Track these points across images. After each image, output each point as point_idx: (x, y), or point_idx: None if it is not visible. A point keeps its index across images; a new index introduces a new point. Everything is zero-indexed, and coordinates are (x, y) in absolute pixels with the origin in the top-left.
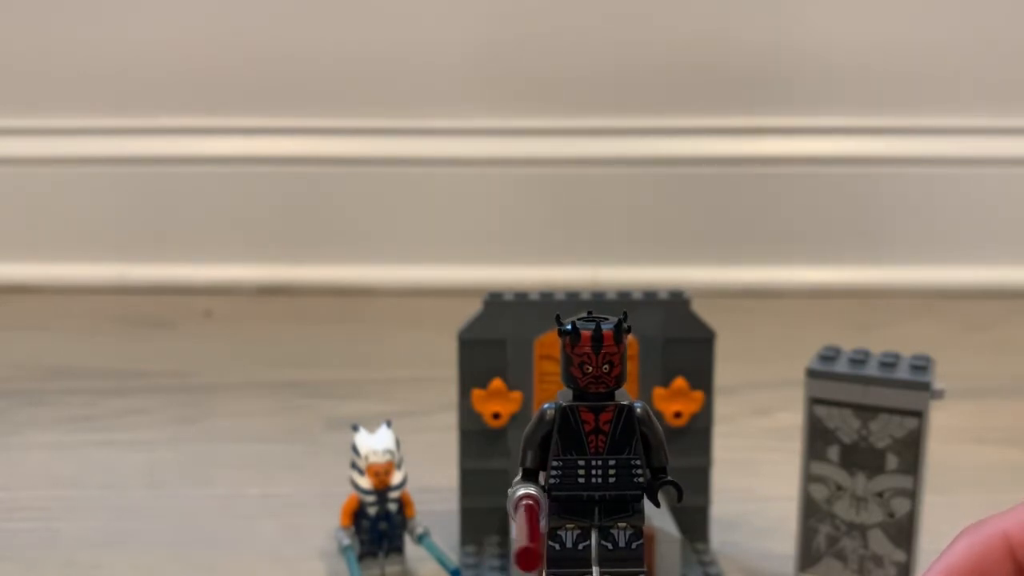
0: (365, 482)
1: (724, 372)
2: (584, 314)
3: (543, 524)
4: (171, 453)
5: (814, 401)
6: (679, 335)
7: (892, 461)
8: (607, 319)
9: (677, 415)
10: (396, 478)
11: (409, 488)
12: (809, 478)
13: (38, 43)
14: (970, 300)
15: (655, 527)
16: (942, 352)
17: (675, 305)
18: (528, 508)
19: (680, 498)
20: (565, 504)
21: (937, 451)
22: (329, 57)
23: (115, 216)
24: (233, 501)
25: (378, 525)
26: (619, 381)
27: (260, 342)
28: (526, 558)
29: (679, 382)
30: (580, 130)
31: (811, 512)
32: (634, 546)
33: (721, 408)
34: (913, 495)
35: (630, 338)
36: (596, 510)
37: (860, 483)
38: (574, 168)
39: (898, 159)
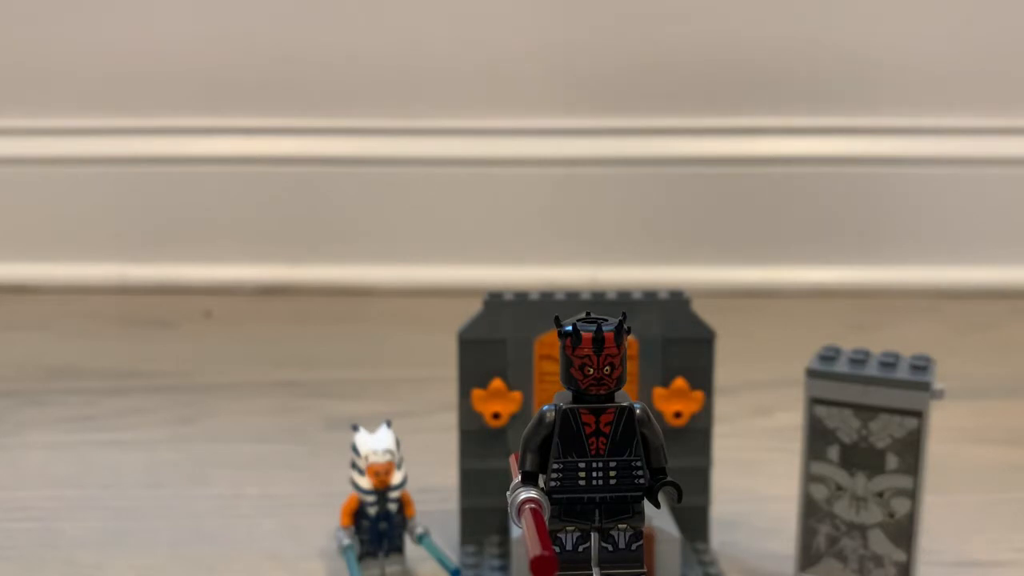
0: (365, 482)
1: (724, 372)
2: (583, 315)
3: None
4: (171, 453)
5: (814, 401)
6: (679, 335)
7: (892, 461)
8: (607, 320)
9: (677, 415)
10: (396, 478)
11: (409, 488)
12: (809, 478)
13: (38, 43)
14: (970, 300)
15: (655, 527)
16: (942, 352)
17: (675, 305)
18: (534, 513)
19: (680, 498)
20: (565, 506)
21: (937, 451)
22: (329, 57)
23: (115, 216)
24: (233, 501)
25: (378, 525)
26: (619, 383)
27: (260, 342)
28: (542, 566)
29: (679, 382)
30: (580, 130)
31: (811, 512)
32: (634, 547)
33: (721, 408)
34: (913, 495)
35: (630, 338)
36: (596, 512)
37: (860, 483)
38: (574, 168)
39: (898, 159)
